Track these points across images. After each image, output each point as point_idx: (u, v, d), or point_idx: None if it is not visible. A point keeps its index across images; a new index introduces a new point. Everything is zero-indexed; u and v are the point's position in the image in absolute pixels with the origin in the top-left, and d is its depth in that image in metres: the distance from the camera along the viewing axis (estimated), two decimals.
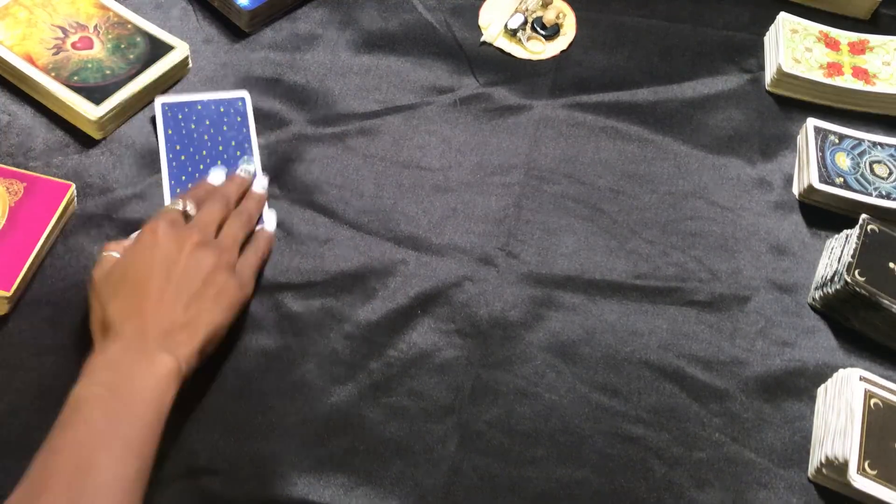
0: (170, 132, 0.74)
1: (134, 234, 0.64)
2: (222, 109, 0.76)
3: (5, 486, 0.58)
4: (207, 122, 0.75)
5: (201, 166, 0.73)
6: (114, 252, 0.63)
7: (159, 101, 0.76)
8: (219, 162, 0.73)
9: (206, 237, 0.64)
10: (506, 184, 0.78)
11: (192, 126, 0.75)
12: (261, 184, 0.73)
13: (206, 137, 0.74)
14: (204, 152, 0.74)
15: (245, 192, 0.72)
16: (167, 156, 0.73)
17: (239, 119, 0.76)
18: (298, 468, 0.61)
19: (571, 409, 0.65)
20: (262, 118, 0.79)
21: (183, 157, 0.73)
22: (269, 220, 0.72)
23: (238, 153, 0.74)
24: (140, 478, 0.52)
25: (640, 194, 0.78)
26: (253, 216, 0.70)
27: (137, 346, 0.56)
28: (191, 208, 0.66)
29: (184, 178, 0.73)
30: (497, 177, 0.78)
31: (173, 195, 0.72)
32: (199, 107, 0.76)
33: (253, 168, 0.73)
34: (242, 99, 0.77)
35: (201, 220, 0.65)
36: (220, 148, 0.74)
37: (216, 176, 0.72)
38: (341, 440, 0.62)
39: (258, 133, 0.78)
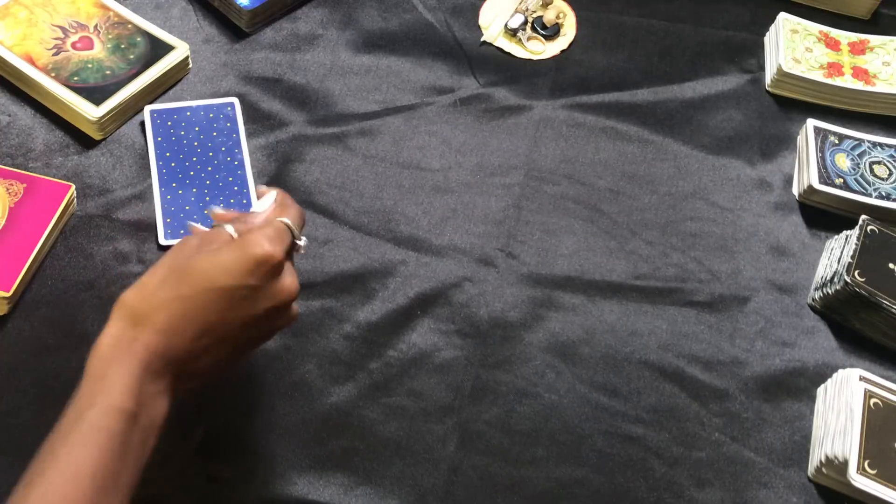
0: (159, 139, 0.74)
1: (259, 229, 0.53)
2: (212, 115, 0.76)
3: (5, 485, 0.59)
4: (197, 129, 0.75)
5: (191, 172, 0.73)
6: (228, 227, 0.53)
7: (148, 108, 0.76)
8: (209, 168, 0.73)
9: (288, 303, 0.53)
10: (506, 184, 0.78)
11: (182, 132, 0.75)
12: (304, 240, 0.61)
13: (195, 144, 0.74)
14: (194, 158, 0.74)
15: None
16: (157, 163, 0.73)
17: (229, 125, 0.76)
18: (298, 468, 0.61)
19: (571, 409, 0.65)
20: (262, 118, 0.79)
21: (173, 164, 0.73)
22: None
23: (228, 158, 0.74)
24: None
25: (640, 195, 0.78)
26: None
27: (156, 373, 0.49)
28: (304, 242, 0.56)
29: (174, 184, 0.73)
30: (497, 177, 0.78)
31: (164, 202, 0.72)
32: (189, 113, 0.76)
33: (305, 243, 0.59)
34: (232, 104, 0.78)
35: (297, 284, 0.54)
36: (211, 154, 0.74)
37: (263, 204, 0.58)
38: (341, 440, 0.62)
39: (258, 134, 0.78)
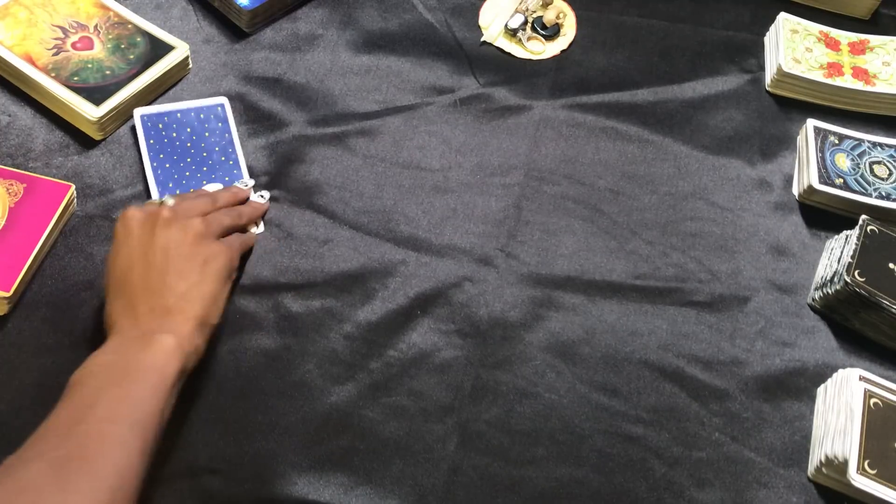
0: (151, 142, 0.74)
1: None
2: (202, 116, 0.76)
3: None
4: (189, 130, 0.75)
5: (187, 173, 0.73)
6: (169, 201, 0.64)
7: (138, 112, 0.76)
8: (204, 168, 0.74)
9: (177, 214, 0.62)
10: (506, 184, 0.78)
11: (174, 135, 0.75)
12: (260, 195, 0.72)
13: (188, 145, 0.74)
14: (188, 159, 0.74)
15: (239, 203, 0.71)
16: (151, 164, 0.73)
17: (220, 125, 0.76)
18: (298, 468, 0.61)
19: (571, 409, 0.65)
20: (262, 118, 0.79)
21: (168, 165, 0.73)
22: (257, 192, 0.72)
23: (223, 158, 0.74)
24: (144, 451, 0.51)
25: (640, 195, 0.78)
26: (243, 214, 0.69)
27: (133, 336, 0.57)
28: (170, 202, 0.65)
29: (171, 184, 0.73)
30: (497, 177, 0.78)
31: None
32: (179, 115, 0.76)
33: (251, 183, 0.73)
34: (222, 105, 0.78)
35: (179, 206, 0.64)
36: (205, 154, 0.74)
37: (212, 186, 0.72)
38: (341, 440, 0.62)
39: (258, 134, 0.78)
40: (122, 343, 0.57)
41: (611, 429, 0.65)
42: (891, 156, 0.79)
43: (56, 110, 0.77)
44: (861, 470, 0.59)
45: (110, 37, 0.80)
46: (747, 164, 0.81)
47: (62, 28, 0.79)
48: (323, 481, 0.60)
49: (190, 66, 0.82)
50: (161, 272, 0.59)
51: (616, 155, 0.81)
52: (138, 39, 0.80)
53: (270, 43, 0.85)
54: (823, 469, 0.62)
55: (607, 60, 0.88)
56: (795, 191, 0.80)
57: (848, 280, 0.68)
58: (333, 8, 0.89)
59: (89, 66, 0.77)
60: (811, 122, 0.81)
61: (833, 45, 0.89)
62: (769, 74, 0.88)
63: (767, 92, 0.87)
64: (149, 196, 0.73)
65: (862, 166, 0.78)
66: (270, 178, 0.75)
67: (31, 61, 0.76)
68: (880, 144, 0.80)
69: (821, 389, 0.67)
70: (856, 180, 0.77)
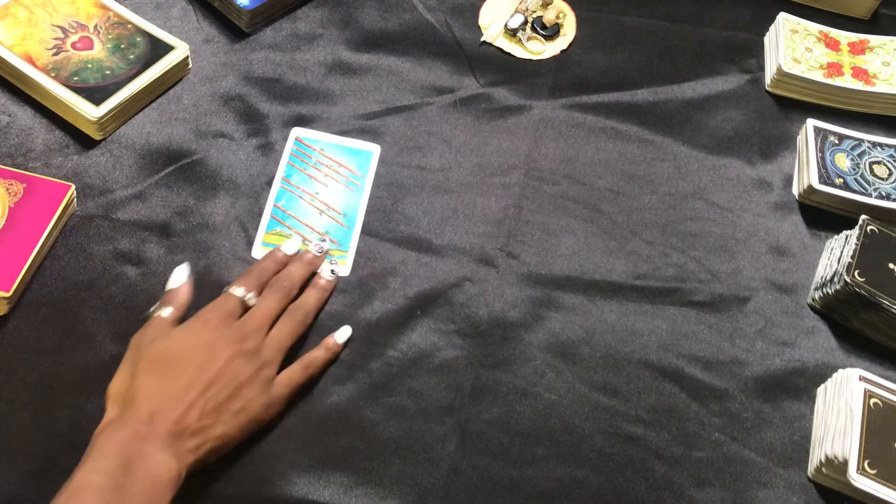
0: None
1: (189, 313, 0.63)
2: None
3: (6, 485, 0.59)
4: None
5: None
6: (164, 313, 0.62)
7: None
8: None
9: (253, 346, 0.61)
10: (506, 184, 0.78)
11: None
12: (329, 270, 0.69)
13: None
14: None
15: (312, 274, 0.69)
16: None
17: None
18: (298, 467, 0.61)
19: (571, 409, 0.65)
20: (262, 118, 0.79)
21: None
22: (342, 333, 0.67)
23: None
24: None
25: (640, 195, 0.78)
26: (309, 315, 0.66)
27: (147, 437, 0.54)
28: (251, 298, 0.64)
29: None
30: (497, 177, 0.78)
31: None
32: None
33: (327, 247, 0.71)
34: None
35: (254, 322, 0.62)
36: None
37: (290, 246, 0.69)
38: (341, 440, 0.62)
39: (257, 134, 0.78)
40: (133, 441, 0.54)
41: (611, 429, 0.65)
42: (891, 156, 0.79)
43: (56, 110, 0.77)
44: (861, 470, 0.59)
45: (110, 37, 0.80)
46: (747, 164, 0.81)
47: (62, 28, 0.79)
48: (323, 481, 0.60)
49: (190, 66, 0.82)
50: (205, 394, 0.57)
51: (616, 155, 0.81)
52: (138, 39, 0.80)
53: (270, 43, 0.85)
54: (823, 469, 0.62)
55: (607, 60, 0.88)
56: (795, 191, 0.80)
57: (848, 280, 0.68)
58: (333, 8, 0.89)
59: (89, 66, 0.77)
60: (811, 122, 0.81)
61: (833, 45, 0.89)
62: (769, 74, 0.88)
63: (767, 92, 0.87)
64: (157, 191, 0.73)
65: (862, 166, 0.78)
66: (270, 179, 0.75)
67: (31, 61, 0.76)
68: (880, 144, 0.80)
69: (821, 389, 0.67)
70: (856, 180, 0.77)
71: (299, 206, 0.73)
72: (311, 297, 0.67)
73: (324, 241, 0.71)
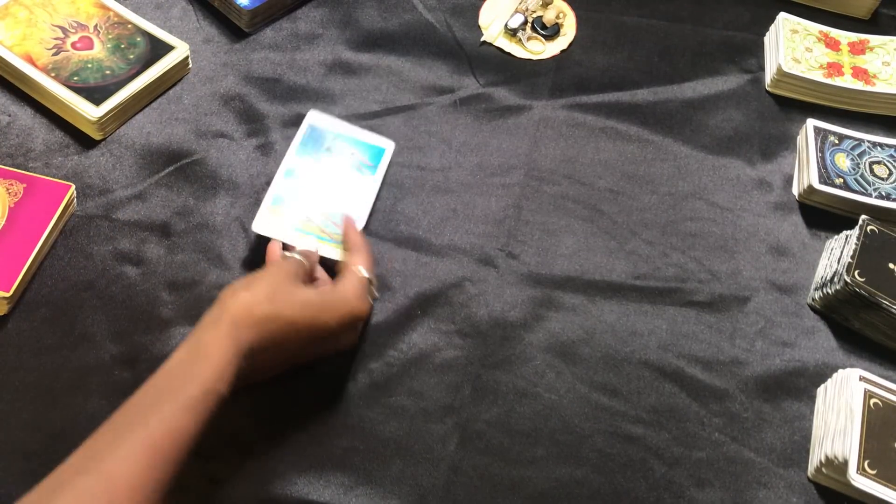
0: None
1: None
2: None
3: (6, 485, 0.59)
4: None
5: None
6: (298, 255, 0.63)
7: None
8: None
9: (358, 331, 0.65)
10: (506, 184, 0.78)
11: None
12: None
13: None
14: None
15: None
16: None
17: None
18: (298, 467, 0.61)
19: (571, 409, 0.65)
20: (262, 118, 0.79)
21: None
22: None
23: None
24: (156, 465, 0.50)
25: (640, 195, 0.78)
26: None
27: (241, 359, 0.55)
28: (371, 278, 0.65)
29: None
30: (497, 177, 0.78)
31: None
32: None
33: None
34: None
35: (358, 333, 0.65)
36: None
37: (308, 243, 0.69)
38: (341, 440, 0.62)
39: (257, 133, 0.78)
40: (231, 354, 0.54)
41: (611, 429, 0.65)
42: (891, 156, 0.79)
43: (56, 110, 0.77)
44: (861, 470, 0.59)
45: (110, 37, 0.80)
46: (747, 164, 0.81)
47: (62, 28, 0.79)
48: (323, 481, 0.60)
49: (190, 66, 0.82)
50: (295, 359, 0.61)
51: (616, 155, 0.81)
52: (138, 39, 0.80)
53: (270, 43, 0.85)
54: (823, 469, 0.62)
55: (607, 60, 0.88)
56: (795, 191, 0.80)
57: (848, 280, 0.68)
58: (333, 8, 0.89)
59: (89, 65, 0.77)
60: (811, 122, 0.81)
61: (833, 45, 0.89)
62: (769, 74, 0.88)
63: (767, 92, 0.87)
64: (157, 191, 0.73)
65: (862, 166, 0.78)
66: (270, 178, 0.75)
67: (31, 61, 0.76)
68: (880, 144, 0.80)
69: (821, 389, 0.67)
70: (856, 180, 0.77)
71: (304, 188, 0.72)
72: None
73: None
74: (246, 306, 0.56)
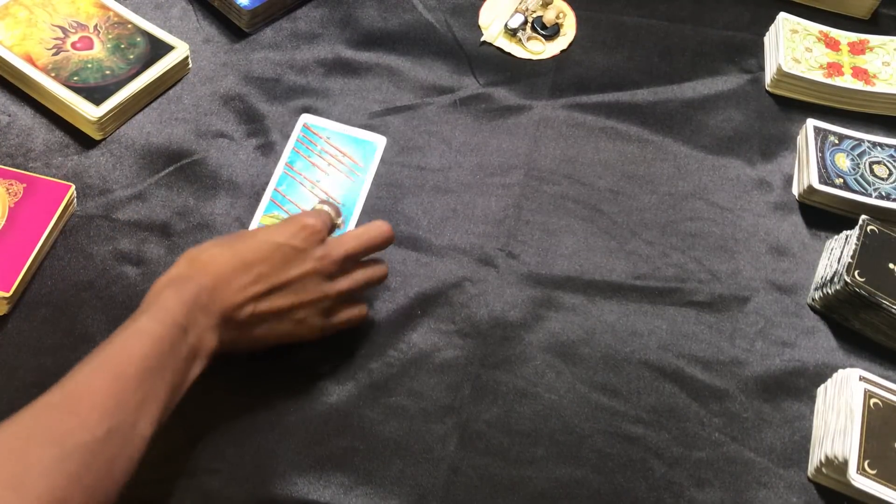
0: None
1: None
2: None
3: None
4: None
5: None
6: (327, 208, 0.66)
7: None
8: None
9: (330, 270, 0.62)
10: (506, 184, 0.78)
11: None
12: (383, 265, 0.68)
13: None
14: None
15: (376, 250, 0.66)
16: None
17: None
18: (298, 468, 0.61)
19: (571, 409, 0.65)
20: (262, 118, 0.79)
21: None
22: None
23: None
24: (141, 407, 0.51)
25: (640, 195, 0.78)
26: (383, 277, 0.66)
27: (204, 308, 0.56)
28: (340, 221, 0.67)
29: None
30: (497, 177, 0.78)
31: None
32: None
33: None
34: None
35: (341, 250, 0.63)
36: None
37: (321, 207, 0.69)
38: (341, 440, 0.62)
39: (257, 134, 0.78)
40: (192, 304, 0.55)
41: (611, 429, 0.65)
42: (891, 156, 0.79)
43: (56, 110, 0.77)
44: (861, 470, 0.59)
45: (110, 37, 0.80)
46: (747, 164, 0.81)
47: (62, 28, 0.79)
48: (323, 481, 0.60)
49: (190, 66, 0.82)
50: (267, 290, 0.59)
51: (616, 155, 0.81)
52: (138, 39, 0.80)
53: (270, 43, 0.85)
54: (823, 469, 0.62)
55: (607, 60, 0.88)
56: (795, 191, 0.80)
57: (848, 280, 0.68)
58: (333, 8, 0.89)
59: (89, 65, 0.77)
60: (811, 122, 0.81)
61: (833, 44, 0.89)
62: (769, 74, 0.88)
63: (767, 92, 0.87)
64: (157, 191, 0.73)
65: (862, 166, 0.78)
66: (270, 179, 0.75)
67: (31, 61, 0.76)
68: (880, 144, 0.80)
69: (821, 389, 0.67)
70: (856, 180, 0.77)
71: (299, 192, 0.74)
72: (374, 271, 0.66)
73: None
74: (197, 251, 0.59)
